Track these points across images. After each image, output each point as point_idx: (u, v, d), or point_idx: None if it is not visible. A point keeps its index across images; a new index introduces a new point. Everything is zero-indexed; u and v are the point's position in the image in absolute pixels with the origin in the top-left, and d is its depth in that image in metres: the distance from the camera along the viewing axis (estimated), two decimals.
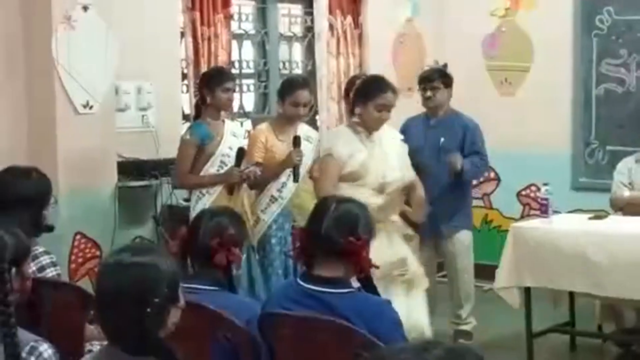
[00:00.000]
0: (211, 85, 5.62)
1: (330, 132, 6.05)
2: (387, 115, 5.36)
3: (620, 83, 7.62)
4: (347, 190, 5.12)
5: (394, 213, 5.36)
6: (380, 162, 5.32)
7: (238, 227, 3.62)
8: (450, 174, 6.07)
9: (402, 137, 5.70)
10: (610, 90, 7.67)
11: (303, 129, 5.85)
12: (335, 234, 3.26)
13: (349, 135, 5.39)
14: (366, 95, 5.33)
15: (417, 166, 5.68)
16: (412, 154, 6.17)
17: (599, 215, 6.11)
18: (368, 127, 5.37)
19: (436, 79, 6.28)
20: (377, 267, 3.43)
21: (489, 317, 6.43)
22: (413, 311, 5.13)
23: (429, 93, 6.26)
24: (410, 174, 5.50)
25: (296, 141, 5.65)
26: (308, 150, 5.75)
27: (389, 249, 5.17)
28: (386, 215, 5.23)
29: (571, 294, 5.99)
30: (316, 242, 3.32)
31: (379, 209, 5.08)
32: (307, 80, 6.14)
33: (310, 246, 3.36)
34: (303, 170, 5.71)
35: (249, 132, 6.06)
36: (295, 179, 5.63)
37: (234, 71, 6.75)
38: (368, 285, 3.35)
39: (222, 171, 5.59)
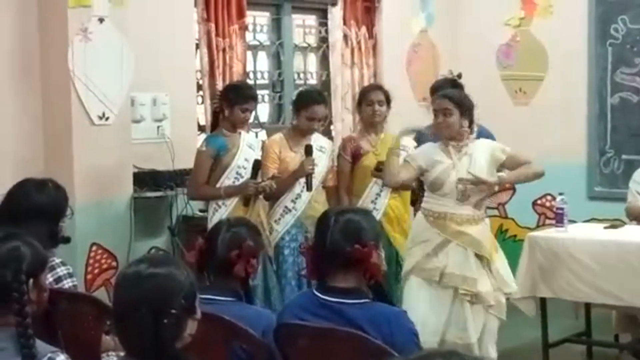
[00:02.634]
0: (231, 101, 5.60)
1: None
2: (442, 118, 5.19)
3: (635, 92, 7.61)
4: (430, 198, 5.30)
5: (473, 228, 5.23)
6: (463, 171, 5.17)
7: (255, 237, 3.63)
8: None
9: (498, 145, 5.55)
10: (625, 99, 7.65)
11: (316, 139, 5.86)
12: (340, 244, 3.26)
13: (434, 148, 5.29)
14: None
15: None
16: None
17: (615, 224, 6.09)
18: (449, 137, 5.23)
19: (447, 88, 6.28)
20: (385, 271, 3.43)
21: (504, 327, 6.37)
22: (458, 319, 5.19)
23: None
24: (493, 177, 5.30)
25: (308, 150, 5.66)
26: (321, 161, 5.76)
27: (460, 261, 5.15)
28: (463, 229, 5.19)
29: (587, 304, 5.97)
30: (324, 256, 3.32)
31: (460, 221, 5.17)
32: (324, 96, 6.13)
33: (320, 261, 3.36)
34: (317, 180, 5.72)
35: (263, 142, 6.07)
36: (309, 188, 5.64)
37: (248, 82, 6.76)
38: (378, 291, 3.35)
39: (237, 183, 5.60)
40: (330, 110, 7.45)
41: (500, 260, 5.31)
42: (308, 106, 5.73)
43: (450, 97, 5.28)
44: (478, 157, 5.22)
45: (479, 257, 5.19)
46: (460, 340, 5.16)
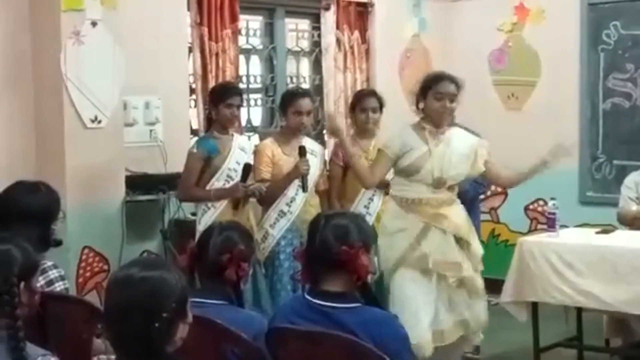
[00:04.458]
0: (215, 101, 5.64)
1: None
2: (449, 104, 5.20)
3: (627, 97, 7.63)
4: (402, 185, 5.28)
5: (450, 210, 5.29)
6: (439, 158, 5.20)
7: (247, 241, 3.64)
8: None
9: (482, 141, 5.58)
10: (617, 104, 7.68)
11: (307, 143, 5.86)
12: (328, 246, 3.28)
13: (408, 131, 5.30)
14: (425, 88, 5.27)
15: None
16: None
17: (606, 229, 6.11)
18: (433, 121, 5.25)
19: None
20: (374, 274, 3.45)
21: (496, 332, 6.41)
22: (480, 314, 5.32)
23: None
24: (476, 170, 5.36)
25: (302, 151, 5.66)
26: (313, 163, 5.75)
27: (442, 247, 5.22)
28: (441, 212, 5.24)
29: (579, 308, 5.98)
30: (314, 259, 3.34)
31: (436, 204, 5.21)
32: (308, 90, 6.19)
33: (311, 265, 3.38)
34: (311, 182, 5.71)
35: (256, 146, 6.06)
36: (304, 189, 5.64)
37: (241, 86, 6.75)
38: (366, 293, 3.36)
39: (227, 186, 5.60)
40: (323, 114, 7.46)
41: (476, 241, 5.40)
42: (293, 101, 5.75)
43: (457, 83, 5.28)
44: (457, 146, 5.26)
45: (457, 239, 5.26)
46: (460, 324, 5.28)
